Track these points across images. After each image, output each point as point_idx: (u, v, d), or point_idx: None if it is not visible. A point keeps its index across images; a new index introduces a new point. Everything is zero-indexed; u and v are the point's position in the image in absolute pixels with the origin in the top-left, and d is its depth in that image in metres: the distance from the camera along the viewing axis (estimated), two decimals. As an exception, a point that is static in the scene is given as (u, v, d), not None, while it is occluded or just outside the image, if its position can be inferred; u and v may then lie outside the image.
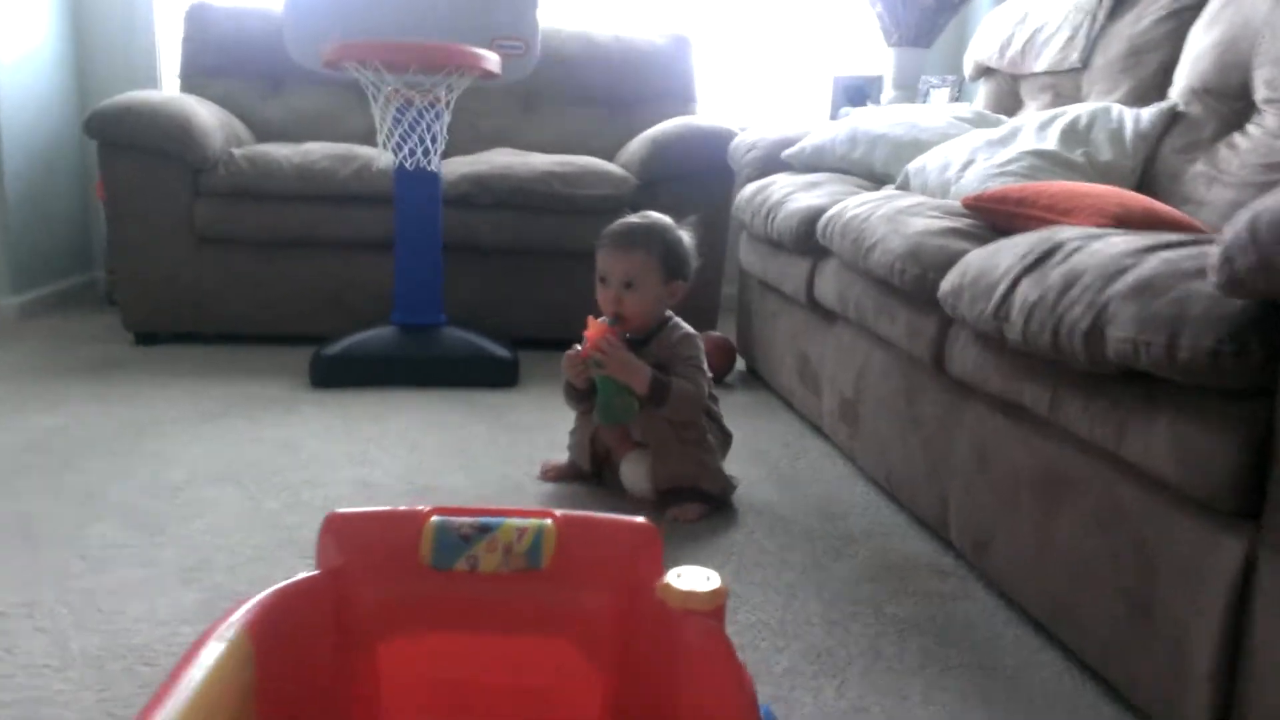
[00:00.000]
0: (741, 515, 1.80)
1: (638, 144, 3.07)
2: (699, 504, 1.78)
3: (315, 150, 2.91)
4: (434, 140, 2.47)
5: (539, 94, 3.51)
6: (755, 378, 2.78)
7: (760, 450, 2.16)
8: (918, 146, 2.36)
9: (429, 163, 2.46)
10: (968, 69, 2.94)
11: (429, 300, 2.67)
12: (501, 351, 2.62)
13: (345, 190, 2.86)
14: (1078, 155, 2.03)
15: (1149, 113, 2.08)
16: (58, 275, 3.51)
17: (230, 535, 1.61)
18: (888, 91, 3.56)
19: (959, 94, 3.52)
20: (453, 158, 3.08)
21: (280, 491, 1.80)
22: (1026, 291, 1.26)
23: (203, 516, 1.68)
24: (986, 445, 1.47)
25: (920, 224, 1.70)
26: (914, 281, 1.61)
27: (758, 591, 1.49)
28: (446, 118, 2.51)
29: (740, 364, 2.87)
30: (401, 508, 0.90)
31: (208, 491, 1.79)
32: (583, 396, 1.85)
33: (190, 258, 2.89)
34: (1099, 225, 1.46)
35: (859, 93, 3.68)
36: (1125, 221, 1.49)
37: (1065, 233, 1.34)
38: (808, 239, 2.14)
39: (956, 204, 1.83)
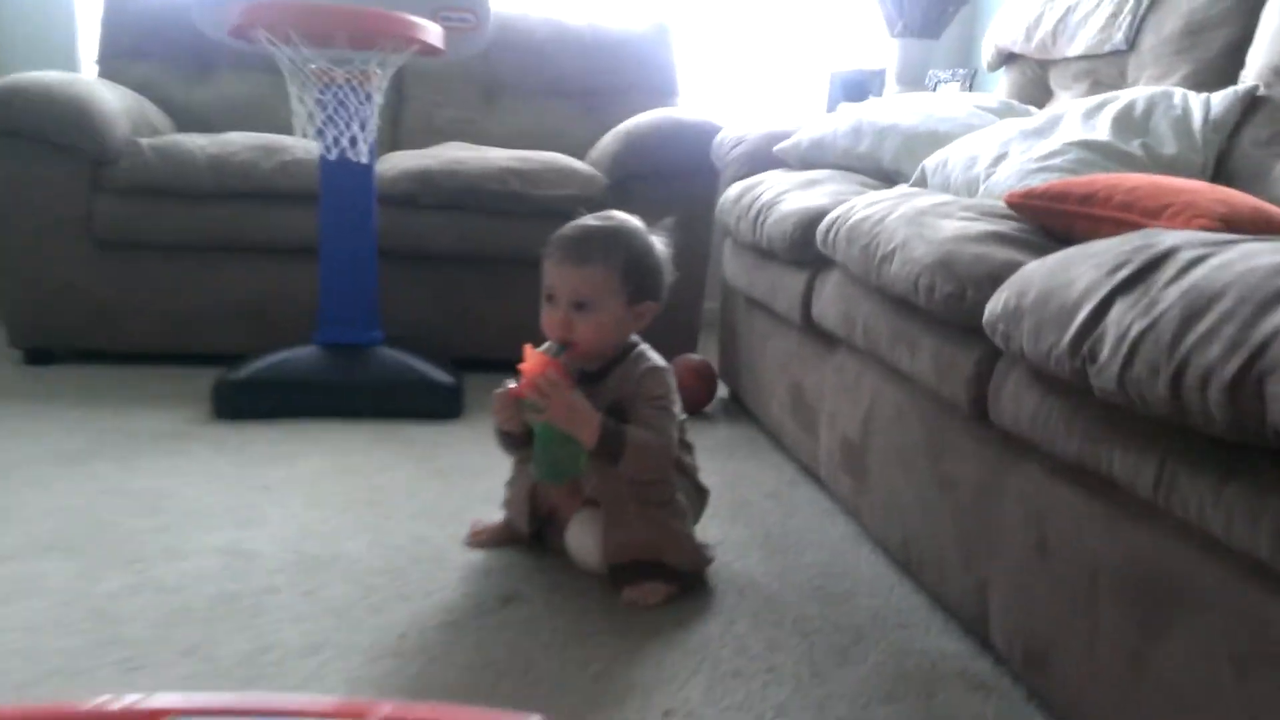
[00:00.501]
0: (719, 596, 1.41)
1: (609, 138, 2.69)
2: (662, 583, 1.39)
3: (235, 141, 2.52)
4: (363, 127, 2.08)
5: (503, 84, 3.13)
6: (739, 408, 2.40)
7: (743, 502, 1.77)
8: (935, 139, 1.98)
9: (356, 154, 2.07)
10: (986, 56, 2.57)
11: (360, 315, 2.28)
12: (441, 377, 2.23)
13: (269, 186, 2.47)
14: (1134, 147, 1.66)
15: (1221, 98, 1.71)
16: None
17: (40, 633, 1.21)
18: (891, 87, 3.19)
19: (971, 88, 3.15)
20: (399, 151, 2.70)
21: (127, 565, 1.41)
22: (1124, 319, 0.87)
23: (14, 603, 1.28)
24: (1047, 524, 1.09)
25: (952, 227, 1.32)
26: (946, 301, 1.23)
27: (736, 717, 1.10)
28: (378, 100, 2.12)
29: (723, 390, 2.48)
30: (95, 704, 0.51)
31: (35, 565, 1.40)
32: (519, 442, 1.46)
33: (89, 264, 2.49)
34: (1203, 229, 1.08)
35: (859, 88, 3.30)
36: (1234, 224, 1.11)
37: (1169, 238, 0.96)
38: (805, 247, 1.75)
39: (997, 203, 1.45)
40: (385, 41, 2.03)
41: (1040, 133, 1.76)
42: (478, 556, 1.50)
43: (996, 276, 1.18)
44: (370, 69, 2.08)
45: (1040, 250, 1.20)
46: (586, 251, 1.39)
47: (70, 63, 3.17)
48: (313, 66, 2.04)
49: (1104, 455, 0.94)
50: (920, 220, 1.38)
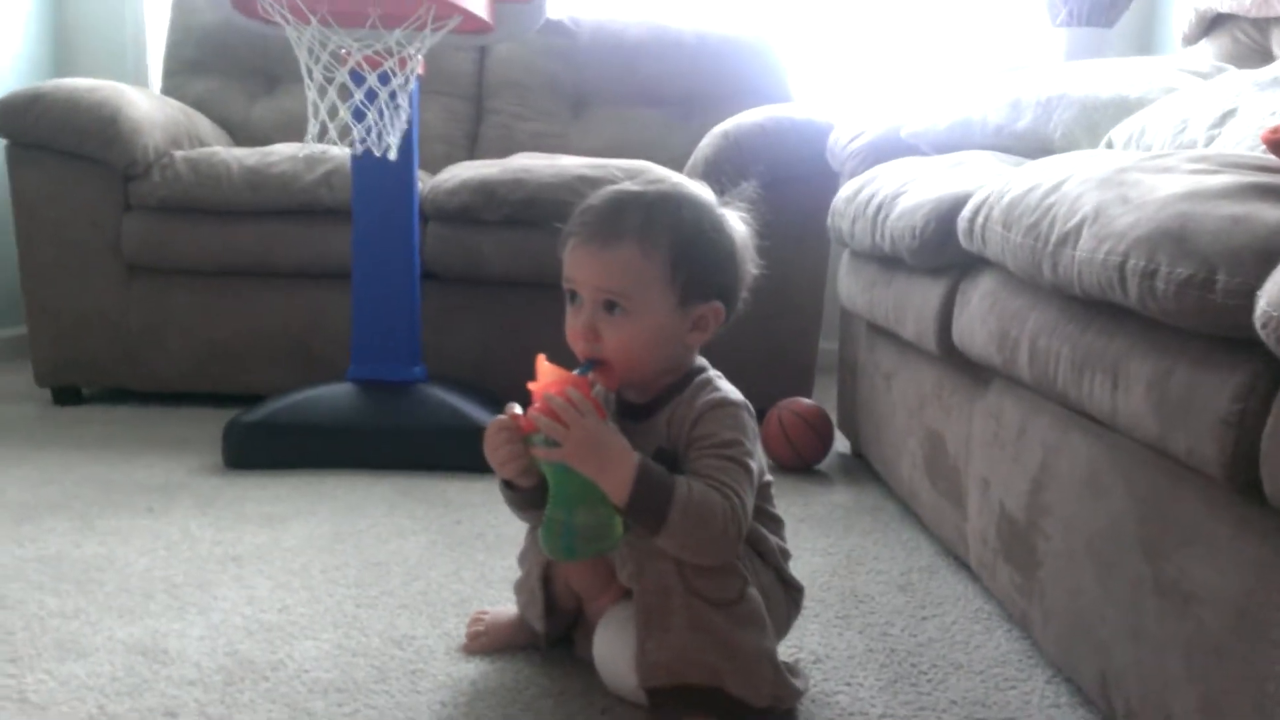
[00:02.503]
0: (810, 752, 0.94)
1: (706, 141, 2.26)
2: (722, 726, 0.93)
3: (277, 151, 2.22)
4: (395, 116, 1.72)
5: (593, 93, 2.76)
6: (862, 466, 1.91)
7: (858, 597, 1.29)
8: (1122, 108, 1.48)
9: (382, 146, 1.72)
10: (1183, 27, 2.05)
11: (399, 348, 1.91)
12: (487, 422, 1.82)
13: (312, 201, 2.15)
14: None
15: None
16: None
17: None
18: (1052, 84, 2.67)
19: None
20: (461, 163, 2.35)
21: (6, 663, 1.04)
22: None
23: None
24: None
25: (1178, 182, 0.84)
26: (1180, 293, 0.74)
27: None
28: (413, 86, 1.76)
29: (842, 443, 2.00)
30: None
31: (-126, 659, 1.05)
32: (532, 499, 1.03)
33: (118, 290, 2.22)
34: None
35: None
36: None
37: None
38: (941, 244, 1.28)
39: (1236, 151, 0.96)
40: (421, 13, 1.68)
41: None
42: (470, 668, 1.07)
43: (1270, 249, 0.70)
44: (409, 50, 1.73)
45: (1345, 206, 0.71)
46: (616, 226, 0.97)
47: (141, 81, 2.99)
48: (336, 48, 1.70)
49: None
50: (1121, 179, 0.90)
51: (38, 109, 2.12)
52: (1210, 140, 1.21)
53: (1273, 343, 0.65)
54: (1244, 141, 1.13)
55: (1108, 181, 0.91)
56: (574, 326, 1.00)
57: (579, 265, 0.99)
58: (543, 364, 0.96)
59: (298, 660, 1.07)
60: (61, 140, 2.13)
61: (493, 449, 1.01)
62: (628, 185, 1.05)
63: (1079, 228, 0.88)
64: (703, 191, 1.05)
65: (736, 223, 1.04)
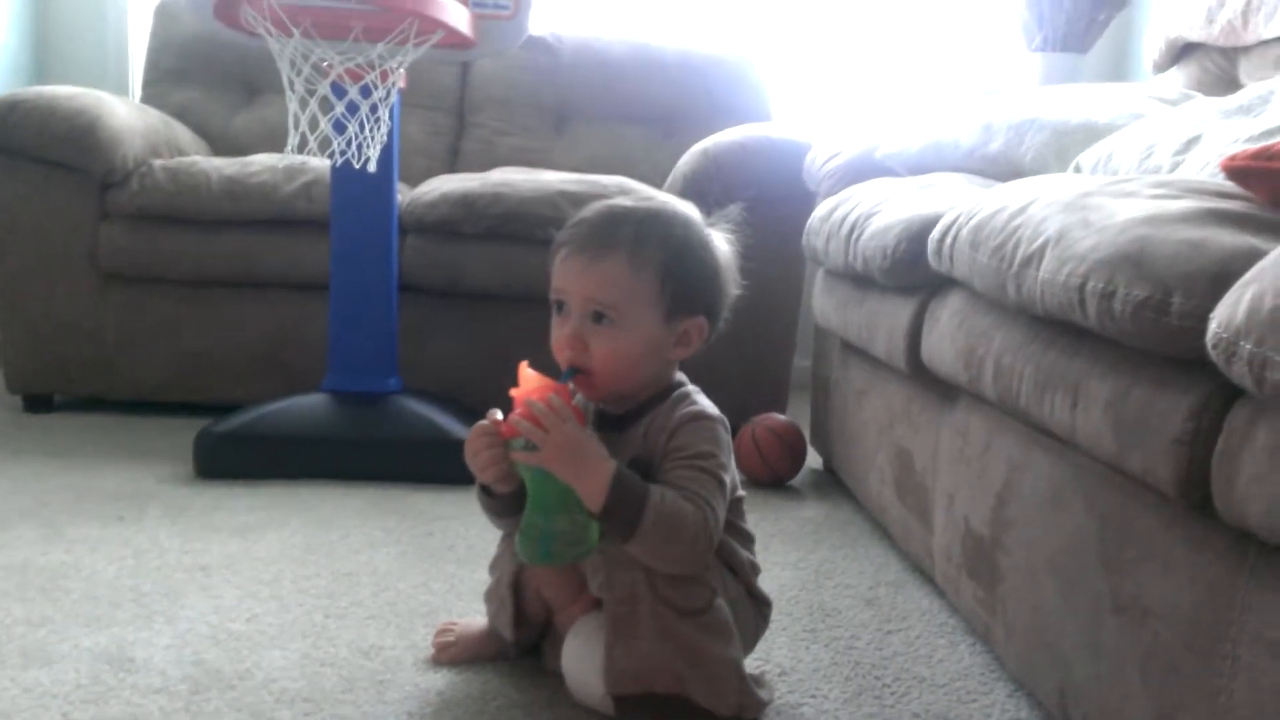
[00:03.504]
0: (774, 763, 0.94)
1: (685, 159, 2.28)
2: (685, 737, 0.94)
3: (256, 162, 2.22)
4: (376, 129, 1.73)
5: (575, 109, 2.77)
6: (834, 482, 1.92)
7: (825, 610, 1.30)
8: (1091, 133, 1.51)
9: (362, 158, 1.72)
10: (1154, 54, 2.08)
11: (375, 360, 1.91)
12: (463, 434, 1.83)
13: (289, 212, 2.15)
14: (1395, 124, 1.16)
15: None
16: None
17: None
18: (1027, 108, 2.70)
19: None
20: (441, 176, 2.36)
21: (-47, 671, 1.04)
22: None
23: None
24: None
25: (1139, 207, 0.86)
26: (1136, 314, 0.76)
27: None
28: (394, 99, 1.77)
29: (814, 459, 2.01)
30: None
31: None
32: (508, 506, 1.04)
33: (93, 299, 2.20)
34: None
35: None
36: None
37: None
38: (912, 265, 1.30)
39: (1198, 177, 0.98)
40: (405, 27, 1.69)
41: (1247, 110, 1.27)
42: (437, 679, 1.07)
43: (1223, 273, 0.72)
44: (391, 64, 1.74)
45: (1294, 233, 0.73)
46: (608, 240, 0.99)
47: (123, 89, 2.98)
48: (318, 60, 1.71)
49: None
50: (1084, 203, 0.92)
51: (16, 116, 2.11)
52: (1175, 166, 1.23)
53: (1223, 364, 0.66)
54: (1207, 167, 1.15)
55: (1071, 205, 0.93)
56: (560, 336, 1.02)
57: (569, 276, 1.01)
58: (525, 371, 0.98)
59: (265, 670, 1.07)
60: (39, 147, 2.12)
61: (473, 453, 1.02)
62: (620, 200, 1.07)
63: (1042, 250, 0.90)
64: (691, 211, 1.07)
65: (721, 242, 1.07)
